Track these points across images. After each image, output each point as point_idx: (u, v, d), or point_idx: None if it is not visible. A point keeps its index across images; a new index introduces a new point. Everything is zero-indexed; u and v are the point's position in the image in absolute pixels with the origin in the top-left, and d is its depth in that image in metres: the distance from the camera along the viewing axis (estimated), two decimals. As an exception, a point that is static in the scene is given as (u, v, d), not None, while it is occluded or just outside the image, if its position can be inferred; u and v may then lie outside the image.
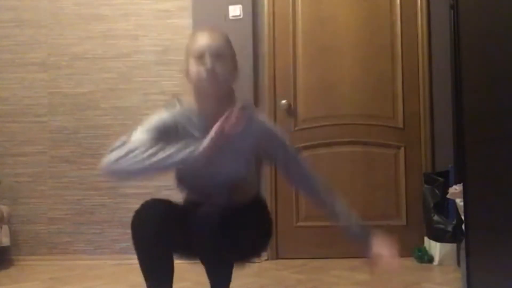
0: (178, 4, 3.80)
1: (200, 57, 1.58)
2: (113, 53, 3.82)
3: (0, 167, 3.78)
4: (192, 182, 1.73)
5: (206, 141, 1.48)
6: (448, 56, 3.39)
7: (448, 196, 2.69)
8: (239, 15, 3.71)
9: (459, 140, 2.14)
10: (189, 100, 1.67)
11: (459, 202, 2.45)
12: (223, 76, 1.59)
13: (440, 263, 3.25)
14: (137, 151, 1.49)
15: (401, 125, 3.68)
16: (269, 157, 1.79)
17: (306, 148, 3.67)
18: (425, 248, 3.44)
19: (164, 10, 3.81)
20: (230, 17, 3.72)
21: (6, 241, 3.58)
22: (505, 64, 1.70)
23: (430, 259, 3.34)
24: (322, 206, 1.76)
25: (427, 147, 3.64)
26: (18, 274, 3.33)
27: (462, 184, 2.14)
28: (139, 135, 1.56)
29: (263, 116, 1.78)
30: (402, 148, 3.66)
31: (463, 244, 2.16)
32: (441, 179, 3.33)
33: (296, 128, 3.70)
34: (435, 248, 3.32)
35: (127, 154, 1.49)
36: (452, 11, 3.01)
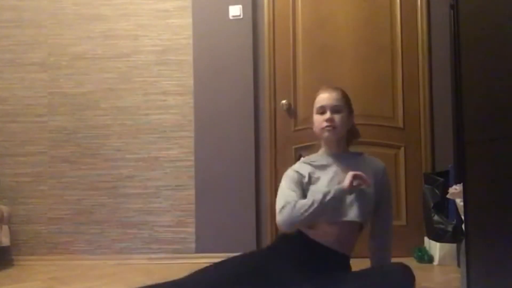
0: (178, 4, 3.80)
1: (322, 111, 2.05)
2: (113, 53, 3.83)
3: (0, 167, 3.79)
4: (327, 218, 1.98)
5: (343, 184, 1.89)
6: (448, 56, 3.39)
7: (448, 196, 2.69)
8: (239, 15, 3.71)
9: (459, 140, 2.13)
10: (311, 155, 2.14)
11: (459, 202, 2.45)
12: (339, 125, 2.03)
13: (440, 263, 3.25)
14: (296, 209, 1.89)
15: (401, 125, 3.68)
16: (378, 193, 2.08)
17: (306, 148, 3.66)
18: (425, 248, 3.44)
19: (164, 10, 3.82)
20: (230, 17, 3.72)
21: (6, 241, 3.58)
22: (505, 64, 1.70)
23: (430, 259, 3.34)
24: (372, 240, 2.13)
25: (427, 147, 3.64)
26: (18, 274, 3.33)
27: (462, 184, 2.14)
28: (288, 193, 1.97)
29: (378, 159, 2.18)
30: (402, 148, 3.67)
31: (463, 244, 2.16)
32: (441, 179, 3.33)
33: (296, 128, 3.70)
34: (435, 248, 3.32)
35: (291, 212, 1.89)
36: (452, 11, 3.00)
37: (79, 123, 3.82)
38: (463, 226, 2.16)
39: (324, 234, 1.96)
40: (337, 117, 2.02)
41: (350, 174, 1.90)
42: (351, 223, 1.98)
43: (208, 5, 3.74)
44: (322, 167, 2.04)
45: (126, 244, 3.68)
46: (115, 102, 3.81)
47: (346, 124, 2.06)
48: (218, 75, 3.73)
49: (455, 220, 3.05)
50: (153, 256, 3.65)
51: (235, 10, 3.72)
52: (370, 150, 3.65)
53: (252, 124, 3.69)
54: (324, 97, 2.06)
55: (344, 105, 2.07)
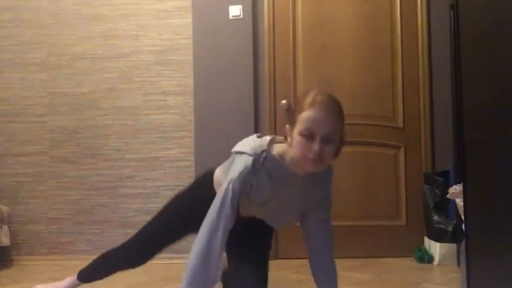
0: (178, 4, 3.80)
1: (309, 135, 1.54)
2: (113, 53, 3.83)
3: (0, 167, 3.79)
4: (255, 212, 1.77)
5: None
6: (448, 56, 3.39)
7: (448, 196, 2.69)
8: (239, 15, 3.71)
9: (459, 140, 2.14)
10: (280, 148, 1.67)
11: (459, 202, 2.45)
12: (328, 159, 1.59)
13: (440, 263, 3.25)
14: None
15: (401, 125, 3.68)
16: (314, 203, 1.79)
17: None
18: (425, 248, 3.44)
19: (164, 10, 3.81)
20: (230, 17, 3.72)
21: (6, 241, 3.57)
22: (505, 64, 1.70)
23: (430, 259, 3.34)
24: (312, 253, 1.81)
25: (427, 147, 3.64)
26: (18, 274, 3.33)
27: (462, 184, 2.14)
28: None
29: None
30: (402, 148, 3.66)
31: (463, 244, 2.16)
32: (441, 179, 3.34)
33: (296, 128, 3.70)
34: (435, 248, 3.32)
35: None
36: (452, 11, 3.01)
37: (79, 123, 3.81)
38: (463, 226, 2.16)
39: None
40: (327, 149, 1.56)
41: None
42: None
43: (208, 5, 3.74)
44: (281, 181, 1.65)
45: (126, 244, 3.67)
46: (115, 102, 3.81)
47: (334, 155, 1.62)
48: (218, 75, 3.73)
49: (455, 220, 3.05)
50: (153, 256, 3.65)
51: (235, 10, 3.71)
52: (370, 150, 3.67)
53: (252, 124, 3.69)
54: (317, 119, 1.55)
55: (339, 131, 1.62)
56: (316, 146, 1.53)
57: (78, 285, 2.15)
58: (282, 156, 1.63)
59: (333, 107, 1.61)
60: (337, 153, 1.62)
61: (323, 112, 1.57)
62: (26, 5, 3.88)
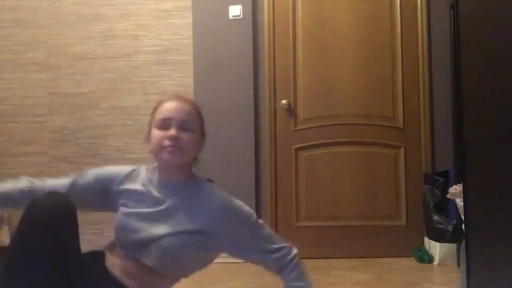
0: (178, 4, 3.80)
1: (165, 125, 1.50)
2: (113, 53, 3.83)
3: (0, 167, 3.78)
4: (122, 234, 1.55)
5: None
6: (448, 56, 3.39)
7: (448, 196, 2.69)
8: (239, 15, 3.71)
9: (459, 140, 2.13)
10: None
11: (459, 202, 2.45)
12: (187, 147, 1.51)
13: (440, 263, 3.25)
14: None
15: (401, 125, 3.68)
16: (229, 238, 1.57)
17: (306, 148, 3.67)
18: (425, 248, 3.44)
19: (164, 10, 3.82)
20: (230, 17, 3.72)
21: (6, 241, 3.57)
22: (505, 64, 1.70)
23: (430, 259, 3.33)
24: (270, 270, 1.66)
25: (427, 147, 3.64)
26: (18, 274, 3.32)
27: (462, 184, 2.14)
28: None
29: (223, 192, 1.63)
30: (402, 148, 3.66)
31: (463, 244, 2.16)
32: (441, 179, 3.33)
33: (296, 128, 3.70)
34: (435, 248, 3.32)
35: None
36: (452, 11, 3.01)
37: (79, 123, 3.81)
38: (463, 226, 2.16)
39: (125, 271, 1.50)
40: (185, 137, 1.50)
41: None
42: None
43: (208, 5, 3.74)
44: (142, 195, 1.56)
45: (126, 244, 3.67)
46: (115, 102, 3.81)
47: (195, 149, 1.56)
48: (218, 75, 3.73)
49: (455, 220, 3.05)
50: (153, 256, 3.65)
51: (235, 10, 3.71)
52: (370, 150, 3.67)
53: (252, 124, 3.68)
54: (171, 107, 1.52)
55: (197, 124, 1.57)
56: (172, 131, 1.49)
57: None
58: (152, 169, 1.62)
59: (186, 99, 1.60)
60: (199, 148, 1.59)
61: (175, 101, 1.56)
62: (26, 5, 3.88)
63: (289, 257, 1.60)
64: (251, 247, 1.58)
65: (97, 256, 1.58)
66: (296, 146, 3.67)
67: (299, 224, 3.67)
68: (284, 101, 3.69)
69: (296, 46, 3.73)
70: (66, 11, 3.86)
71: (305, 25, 3.73)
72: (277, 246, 1.60)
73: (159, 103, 1.57)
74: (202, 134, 1.60)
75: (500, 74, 1.76)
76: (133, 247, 1.50)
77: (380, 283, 2.79)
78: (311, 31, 3.73)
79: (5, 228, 3.60)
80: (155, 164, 1.60)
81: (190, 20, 3.77)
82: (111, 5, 3.84)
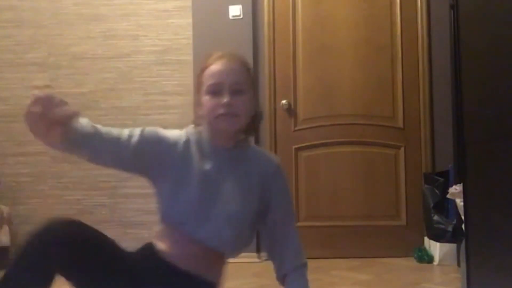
0: (178, 4, 3.80)
1: (216, 90, 1.41)
2: (113, 53, 3.83)
3: (0, 167, 3.78)
4: (181, 219, 1.46)
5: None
6: (448, 56, 3.39)
7: (448, 196, 2.69)
8: (239, 15, 3.71)
9: (459, 140, 2.14)
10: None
11: (459, 202, 2.45)
12: (242, 112, 1.43)
13: (440, 263, 3.25)
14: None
15: (401, 125, 3.68)
16: (265, 201, 1.51)
17: (306, 148, 3.67)
18: (425, 248, 3.44)
19: (164, 10, 3.82)
20: (230, 17, 3.72)
21: (6, 241, 3.57)
22: (505, 64, 1.70)
23: (430, 259, 3.33)
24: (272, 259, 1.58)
25: (427, 147, 3.64)
26: (18, 274, 3.32)
27: (462, 184, 2.14)
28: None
29: (266, 151, 1.57)
30: (402, 148, 3.66)
31: (463, 244, 2.16)
32: (441, 179, 3.34)
33: (296, 128, 3.70)
34: (435, 248, 3.32)
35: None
36: (452, 11, 3.01)
37: (79, 123, 3.81)
38: (463, 226, 2.16)
39: (181, 255, 1.44)
40: (239, 101, 1.41)
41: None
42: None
43: (208, 5, 3.74)
44: (205, 155, 1.47)
45: (126, 244, 3.65)
46: (115, 102, 3.81)
47: (250, 110, 1.47)
48: (218, 75, 3.72)
49: (455, 220, 3.05)
50: (153, 256, 3.65)
51: (235, 10, 3.71)
52: (370, 150, 3.67)
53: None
54: (221, 71, 1.43)
55: (249, 81, 1.48)
56: (225, 99, 1.39)
57: None
58: (200, 132, 1.52)
59: (236, 57, 1.49)
60: (254, 105, 1.49)
61: (225, 62, 1.44)
62: (26, 5, 3.88)
63: (303, 261, 1.54)
64: (284, 221, 1.53)
65: (147, 248, 1.55)
66: (296, 146, 3.67)
67: (299, 224, 3.66)
68: (284, 101, 3.69)
69: (296, 46, 3.73)
70: (66, 11, 3.86)
71: (305, 25, 3.73)
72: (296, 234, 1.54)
73: (206, 64, 1.46)
74: (255, 88, 1.54)
75: (500, 74, 1.76)
76: (191, 223, 1.43)
77: (380, 283, 2.79)
78: (311, 31, 3.73)
79: (5, 228, 3.60)
80: (197, 127, 1.53)
81: (190, 20, 3.77)
82: (111, 5, 3.84)
